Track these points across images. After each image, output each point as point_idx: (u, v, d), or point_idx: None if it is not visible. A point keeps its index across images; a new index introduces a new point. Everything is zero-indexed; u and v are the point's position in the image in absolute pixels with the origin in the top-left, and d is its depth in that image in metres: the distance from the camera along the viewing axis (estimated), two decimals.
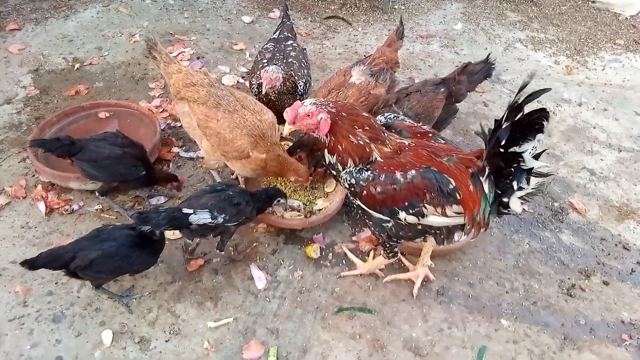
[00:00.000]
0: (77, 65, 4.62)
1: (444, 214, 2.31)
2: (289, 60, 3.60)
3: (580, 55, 5.33)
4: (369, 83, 3.38)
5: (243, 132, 2.96)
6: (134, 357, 2.59)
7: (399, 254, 2.86)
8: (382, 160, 2.33)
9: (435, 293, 2.97)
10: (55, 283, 2.90)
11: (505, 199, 2.23)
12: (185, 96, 3.10)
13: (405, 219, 2.37)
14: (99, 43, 4.94)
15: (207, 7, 5.69)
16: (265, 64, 3.51)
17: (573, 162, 3.98)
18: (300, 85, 3.49)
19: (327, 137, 2.34)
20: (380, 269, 3.01)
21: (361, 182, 2.32)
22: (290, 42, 3.82)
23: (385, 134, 2.39)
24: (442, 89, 3.29)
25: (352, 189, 2.38)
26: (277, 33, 3.96)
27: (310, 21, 5.58)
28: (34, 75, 4.48)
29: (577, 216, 3.53)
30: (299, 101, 2.38)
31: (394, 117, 2.64)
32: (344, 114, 2.30)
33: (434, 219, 2.36)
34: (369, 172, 2.32)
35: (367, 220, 2.57)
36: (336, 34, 5.41)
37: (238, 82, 4.55)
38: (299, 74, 3.52)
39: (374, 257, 3.06)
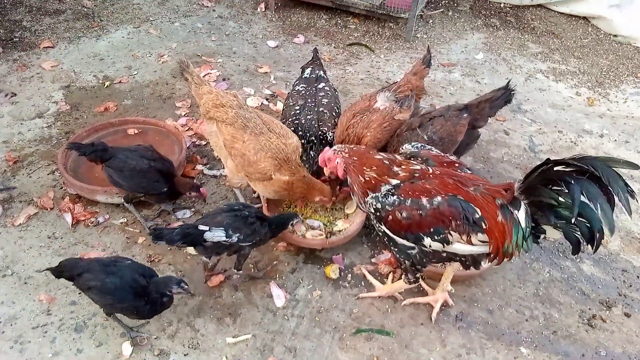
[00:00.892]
0: (107, 83, 4.76)
1: (469, 242, 2.33)
2: (321, 109, 3.58)
3: (601, 87, 5.35)
4: (393, 109, 3.42)
5: (267, 154, 3.02)
6: None
7: (419, 279, 2.86)
8: (401, 184, 2.42)
9: (454, 318, 2.96)
10: (79, 293, 2.93)
11: (541, 229, 2.28)
12: (215, 116, 3.17)
13: (430, 245, 2.39)
14: (128, 62, 5.10)
15: (233, 31, 5.85)
16: (298, 112, 3.55)
17: None
18: (329, 136, 3.50)
19: (348, 178, 2.62)
20: (399, 292, 3.01)
21: (387, 206, 2.39)
22: (322, 84, 3.78)
23: (394, 169, 2.48)
24: (465, 115, 3.32)
25: (378, 213, 2.44)
26: (309, 70, 3.90)
27: (334, 47, 5.69)
28: (65, 92, 4.62)
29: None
30: (327, 147, 2.74)
31: (421, 147, 2.69)
32: (355, 158, 2.57)
33: (459, 247, 2.37)
34: (395, 197, 2.38)
35: (391, 247, 2.60)
36: (359, 60, 5.51)
37: (262, 103, 4.64)
38: (329, 124, 3.53)
39: (392, 280, 3.07)
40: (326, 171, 2.81)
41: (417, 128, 3.22)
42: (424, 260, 2.53)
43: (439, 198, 2.31)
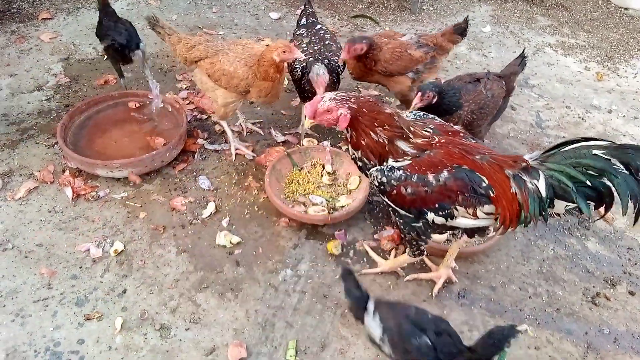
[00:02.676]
0: (106, 56, 4.67)
1: (475, 215, 2.28)
2: (326, 42, 3.65)
3: (611, 62, 5.23)
4: (411, 45, 3.60)
5: (241, 62, 3.27)
6: (153, 344, 2.61)
7: (424, 252, 2.83)
8: (410, 159, 2.29)
9: (457, 295, 2.94)
10: (80, 267, 2.94)
11: (552, 203, 2.24)
12: (191, 58, 3.41)
13: (432, 220, 2.35)
14: None
15: (235, 2, 5.72)
16: (305, 48, 3.57)
17: None
18: (340, 65, 3.55)
19: (347, 132, 2.34)
20: (401, 268, 2.98)
21: (393, 181, 2.28)
22: (319, 26, 3.85)
23: (411, 130, 2.32)
24: (504, 82, 3.47)
25: (382, 187, 2.33)
26: (304, 19, 3.97)
27: (338, 19, 5.57)
28: (65, 64, 4.55)
29: (603, 224, 3.46)
30: (318, 96, 2.35)
31: (424, 116, 2.61)
32: (365, 110, 2.26)
33: (462, 221, 2.34)
34: (401, 172, 2.27)
35: (395, 217, 2.53)
36: (363, 32, 5.39)
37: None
38: (338, 54, 3.54)
39: (395, 256, 3.05)
40: (310, 122, 2.37)
41: (470, 83, 3.32)
42: (428, 230, 2.48)
43: (445, 173, 2.24)
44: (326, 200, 3.32)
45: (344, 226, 3.25)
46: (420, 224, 2.44)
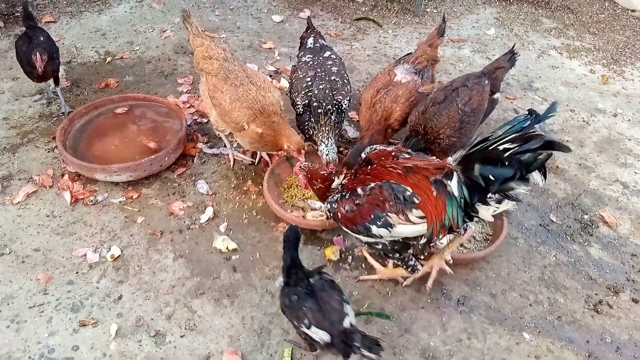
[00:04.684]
0: (108, 59, 4.68)
1: (409, 220, 2.35)
2: (332, 78, 3.48)
3: (617, 65, 5.16)
4: (416, 81, 3.42)
5: (243, 105, 3.13)
6: (148, 351, 2.59)
7: (420, 269, 2.80)
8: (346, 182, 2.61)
9: (456, 302, 2.90)
10: (76, 272, 2.93)
11: (476, 208, 2.29)
12: (203, 67, 3.37)
13: (379, 234, 2.44)
14: (131, 38, 5.01)
15: (238, 5, 5.71)
16: (310, 83, 3.42)
17: (605, 174, 3.85)
18: (344, 104, 3.42)
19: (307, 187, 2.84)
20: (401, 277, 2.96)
21: (333, 204, 2.57)
22: (328, 53, 3.67)
23: (334, 174, 2.72)
24: (486, 81, 3.27)
25: (331, 213, 2.62)
26: (311, 40, 3.79)
27: (341, 22, 5.55)
28: (67, 67, 4.56)
29: (607, 230, 3.40)
30: (300, 161, 2.96)
31: (369, 150, 2.72)
32: (309, 175, 2.77)
33: (402, 229, 2.40)
34: (337, 195, 2.57)
35: (364, 244, 2.69)
36: (366, 35, 5.36)
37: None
38: (343, 92, 3.43)
39: (394, 265, 3.01)
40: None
41: (443, 102, 3.14)
42: (390, 251, 2.59)
43: (372, 184, 2.44)
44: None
45: (343, 231, 3.21)
46: (379, 246, 2.58)
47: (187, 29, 3.50)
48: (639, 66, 5.17)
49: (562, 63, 5.16)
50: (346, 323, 2.23)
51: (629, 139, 4.21)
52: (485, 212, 2.29)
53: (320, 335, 2.21)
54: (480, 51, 5.24)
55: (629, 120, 4.43)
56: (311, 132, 3.34)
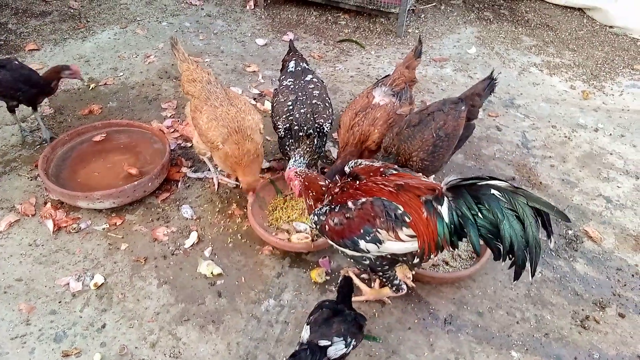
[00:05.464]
0: (92, 85, 4.69)
1: (398, 238, 2.36)
2: (314, 101, 3.48)
3: (597, 80, 5.25)
4: (394, 104, 3.42)
5: (219, 124, 3.14)
6: None
7: (405, 288, 2.79)
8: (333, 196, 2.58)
9: (443, 322, 2.89)
10: (59, 302, 2.89)
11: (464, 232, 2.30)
12: (187, 90, 3.41)
13: (366, 249, 2.43)
14: (114, 64, 5.02)
15: (222, 29, 5.76)
16: (291, 107, 3.43)
17: (588, 189, 3.88)
18: (325, 127, 3.43)
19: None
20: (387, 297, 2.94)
21: (321, 217, 2.54)
22: (309, 76, 3.67)
23: (328, 189, 2.65)
24: (463, 107, 3.25)
25: (317, 226, 2.60)
26: (292, 64, 3.80)
27: (324, 44, 5.61)
28: (50, 95, 4.54)
29: (592, 245, 3.42)
30: (291, 167, 2.89)
31: (353, 165, 2.72)
32: (307, 183, 2.74)
33: (391, 245, 2.39)
34: (327, 207, 2.55)
35: (349, 259, 2.65)
36: (349, 57, 5.42)
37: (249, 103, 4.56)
38: (324, 115, 3.45)
39: (380, 285, 3.00)
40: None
41: (417, 125, 3.13)
42: (377, 266, 2.57)
43: (363, 199, 2.43)
44: (310, 227, 3.28)
45: (328, 253, 3.21)
46: (366, 261, 2.55)
47: (175, 55, 3.55)
48: (619, 81, 5.26)
49: (542, 80, 5.24)
50: (322, 343, 2.33)
51: (611, 154, 4.26)
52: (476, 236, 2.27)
53: (304, 332, 2.41)
54: (462, 70, 5.31)
55: (610, 134, 4.49)
56: (291, 154, 3.35)
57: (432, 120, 3.14)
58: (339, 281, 2.69)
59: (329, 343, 2.33)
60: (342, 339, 2.36)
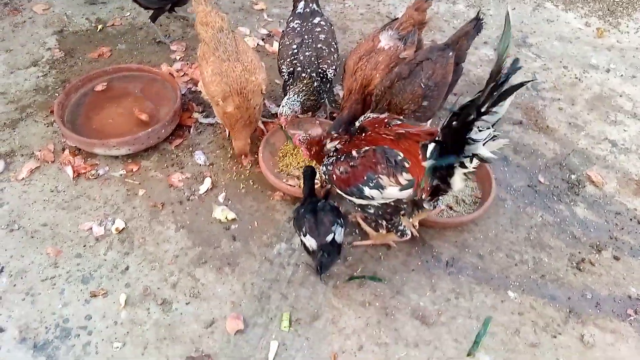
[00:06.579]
0: (100, 27, 4.66)
1: (399, 183, 2.48)
2: (319, 45, 3.48)
3: (613, 16, 5.11)
4: (398, 47, 3.38)
5: (222, 80, 3.15)
6: (156, 318, 2.77)
7: (410, 233, 2.92)
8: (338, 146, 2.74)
9: (445, 264, 3.06)
10: (84, 246, 3.08)
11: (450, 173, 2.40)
12: (199, 32, 3.40)
13: (371, 195, 2.56)
14: (121, 3, 4.96)
15: None
16: (295, 50, 3.43)
17: (595, 132, 3.92)
18: (330, 73, 3.44)
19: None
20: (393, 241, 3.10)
21: (328, 167, 2.70)
22: (317, 19, 3.65)
23: (329, 145, 2.80)
24: (451, 53, 3.19)
25: (326, 176, 2.74)
26: (302, 5, 3.74)
27: None
28: (59, 37, 4.55)
29: (593, 189, 3.52)
30: (300, 132, 3.10)
31: (363, 119, 2.82)
32: (308, 145, 2.95)
33: (393, 191, 2.51)
34: (333, 158, 2.71)
35: (357, 209, 2.83)
36: None
37: (258, 44, 4.54)
38: (329, 61, 3.45)
39: (386, 230, 3.14)
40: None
41: (408, 77, 3.14)
42: (381, 213, 2.71)
43: (366, 147, 2.58)
44: (321, 175, 3.38)
45: (337, 199, 3.32)
46: (372, 210, 2.70)
47: None
48: (636, 17, 5.12)
49: (557, 16, 5.11)
50: (329, 238, 2.68)
51: (620, 96, 4.25)
52: (458, 179, 2.40)
53: (310, 242, 2.71)
54: (475, 6, 5.18)
55: (622, 75, 4.45)
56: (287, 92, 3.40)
57: (420, 70, 3.12)
58: (302, 171, 3.03)
59: (333, 235, 2.70)
60: (336, 225, 2.74)
